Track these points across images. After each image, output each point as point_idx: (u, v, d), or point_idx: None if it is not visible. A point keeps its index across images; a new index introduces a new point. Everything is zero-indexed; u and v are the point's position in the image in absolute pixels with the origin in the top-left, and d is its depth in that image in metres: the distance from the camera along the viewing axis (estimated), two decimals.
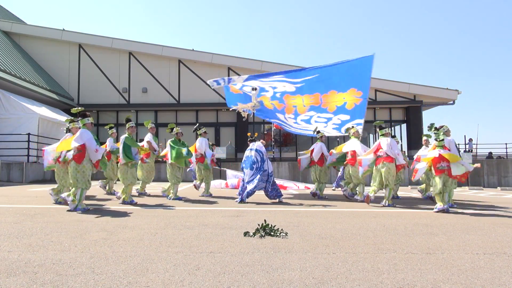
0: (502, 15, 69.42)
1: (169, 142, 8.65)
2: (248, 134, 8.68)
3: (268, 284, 2.62)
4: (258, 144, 8.27)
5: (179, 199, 8.26)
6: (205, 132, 9.73)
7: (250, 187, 7.92)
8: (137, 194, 9.05)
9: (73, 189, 6.15)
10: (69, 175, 6.27)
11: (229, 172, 13.85)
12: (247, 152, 8.37)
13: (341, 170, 12.56)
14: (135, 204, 7.14)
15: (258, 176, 7.97)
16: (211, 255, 3.39)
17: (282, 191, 8.64)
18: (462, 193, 11.98)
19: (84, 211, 6.01)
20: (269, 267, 3.04)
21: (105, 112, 20.53)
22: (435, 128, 7.52)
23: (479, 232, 4.73)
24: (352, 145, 8.60)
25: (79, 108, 6.76)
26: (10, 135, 14.40)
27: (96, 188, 10.05)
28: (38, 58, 20.28)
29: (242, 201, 7.80)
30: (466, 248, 3.80)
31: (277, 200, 8.06)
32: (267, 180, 8.07)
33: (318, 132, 9.52)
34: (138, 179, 8.43)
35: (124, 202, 7.21)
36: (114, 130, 9.31)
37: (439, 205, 6.72)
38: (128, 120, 7.83)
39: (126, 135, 7.61)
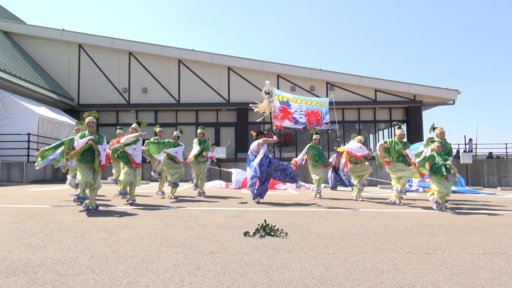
0: (502, 15, 69.44)
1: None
2: (252, 132, 8.60)
3: (268, 284, 2.62)
4: (253, 144, 8.19)
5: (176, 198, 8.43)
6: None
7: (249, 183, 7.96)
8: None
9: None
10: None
11: (234, 171, 13.76)
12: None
13: (330, 171, 12.53)
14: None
15: (252, 172, 7.95)
16: (211, 255, 3.39)
17: (280, 192, 8.60)
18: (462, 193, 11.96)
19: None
20: (269, 267, 3.04)
21: (105, 112, 20.51)
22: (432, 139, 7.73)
23: (479, 232, 4.73)
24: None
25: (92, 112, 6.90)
26: (10, 135, 14.39)
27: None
28: (38, 58, 20.27)
29: (257, 197, 7.86)
30: (466, 248, 3.80)
31: (255, 200, 7.92)
32: (255, 175, 7.93)
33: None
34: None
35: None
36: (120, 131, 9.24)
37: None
38: (138, 123, 7.93)
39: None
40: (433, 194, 7.10)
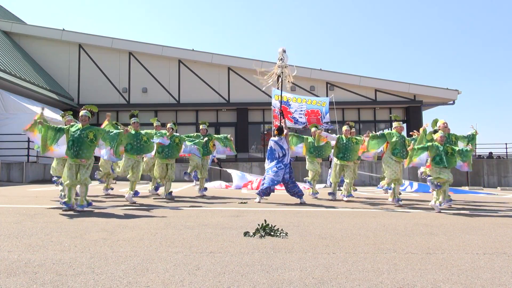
0: (502, 15, 69.44)
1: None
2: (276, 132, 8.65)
3: (268, 284, 2.62)
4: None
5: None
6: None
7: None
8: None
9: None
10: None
11: (235, 173, 13.72)
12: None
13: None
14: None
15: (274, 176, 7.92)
16: (211, 255, 3.39)
17: (280, 192, 8.59)
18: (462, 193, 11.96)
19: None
20: (269, 267, 3.04)
21: (105, 112, 20.48)
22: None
23: (479, 232, 4.73)
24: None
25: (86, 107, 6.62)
26: (10, 135, 14.39)
27: (96, 188, 10.05)
28: (38, 58, 20.26)
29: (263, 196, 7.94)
30: (466, 248, 3.80)
31: (298, 200, 7.87)
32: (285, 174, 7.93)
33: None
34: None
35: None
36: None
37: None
38: (132, 116, 7.97)
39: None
40: (434, 197, 7.03)
